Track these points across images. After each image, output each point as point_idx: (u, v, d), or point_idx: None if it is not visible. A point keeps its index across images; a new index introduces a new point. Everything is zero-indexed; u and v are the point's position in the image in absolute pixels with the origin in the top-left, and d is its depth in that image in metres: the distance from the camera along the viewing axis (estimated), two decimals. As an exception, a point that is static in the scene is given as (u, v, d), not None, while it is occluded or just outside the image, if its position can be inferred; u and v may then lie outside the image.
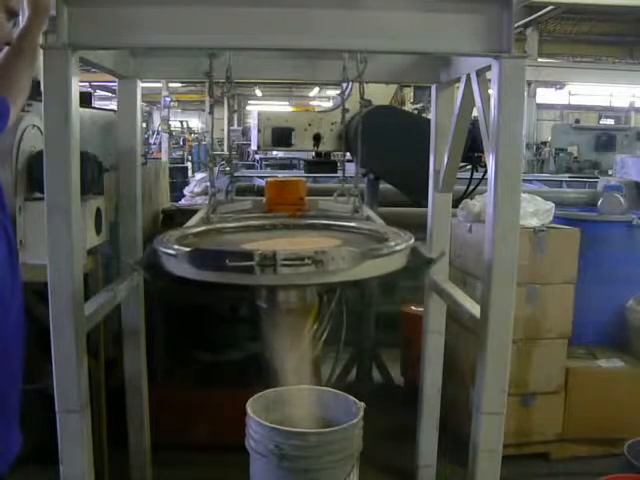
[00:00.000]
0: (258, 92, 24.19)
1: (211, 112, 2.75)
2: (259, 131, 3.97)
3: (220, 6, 1.89)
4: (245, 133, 20.06)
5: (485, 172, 2.79)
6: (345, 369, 4.17)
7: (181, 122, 24.70)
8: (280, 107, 25.50)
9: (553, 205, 3.55)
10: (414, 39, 1.96)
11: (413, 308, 4.25)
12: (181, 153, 19.69)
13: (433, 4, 1.93)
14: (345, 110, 2.76)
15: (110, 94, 17.90)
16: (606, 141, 15.34)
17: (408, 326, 4.20)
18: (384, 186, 4.16)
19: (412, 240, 2.00)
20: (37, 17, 1.96)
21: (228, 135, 15.58)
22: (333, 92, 17.25)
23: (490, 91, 2.10)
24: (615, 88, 18.94)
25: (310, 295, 1.98)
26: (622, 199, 3.92)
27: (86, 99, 3.61)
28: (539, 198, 3.58)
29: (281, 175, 7.85)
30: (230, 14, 1.89)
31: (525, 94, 2.32)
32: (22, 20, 1.99)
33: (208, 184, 2.85)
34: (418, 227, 2.70)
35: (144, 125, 22.23)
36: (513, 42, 1.93)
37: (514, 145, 2.02)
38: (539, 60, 14.46)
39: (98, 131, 3.48)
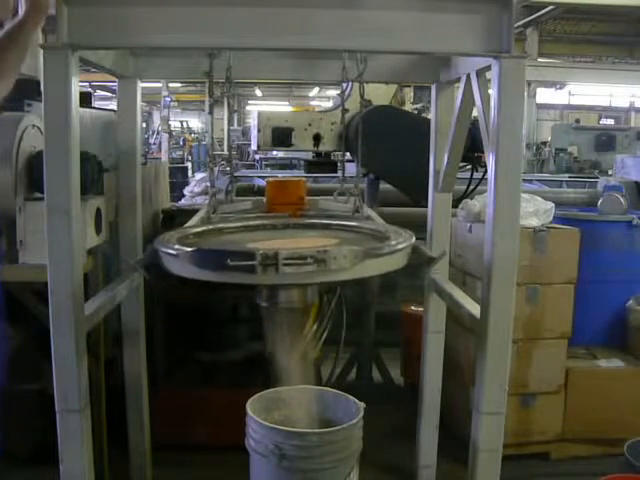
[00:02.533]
0: (258, 92, 24.18)
1: (211, 112, 2.76)
2: (259, 131, 3.96)
3: (220, 6, 1.89)
4: (245, 133, 20.05)
5: (485, 172, 2.79)
6: (345, 369, 4.17)
7: (181, 122, 24.69)
8: (280, 107, 25.49)
9: (553, 205, 3.55)
10: (414, 39, 1.96)
11: (413, 308, 4.25)
12: (181, 153, 19.68)
13: (433, 4, 1.93)
14: (345, 110, 2.76)
15: (110, 94, 17.89)
16: (606, 141, 15.33)
17: (408, 326, 4.19)
18: (384, 186, 4.16)
19: (413, 239, 2.00)
20: (34, 14, 1.92)
21: (228, 135, 15.57)
22: (333, 92, 17.24)
23: (490, 91, 2.10)
24: (615, 88, 18.94)
25: (311, 294, 1.98)
26: (622, 199, 3.91)
27: (86, 99, 3.61)
28: (539, 198, 3.57)
29: (281, 175, 7.85)
30: (230, 14, 1.89)
31: (525, 94, 2.32)
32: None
33: (208, 184, 2.85)
34: (418, 227, 2.70)
35: (144, 125, 22.23)
36: (513, 42, 1.93)
37: (514, 145, 2.02)
38: (539, 60, 14.46)
39: (98, 131, 3.48)
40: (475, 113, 2.43)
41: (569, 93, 21.61)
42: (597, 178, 7.49)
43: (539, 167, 15.18)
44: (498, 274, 2.06)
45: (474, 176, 3.48)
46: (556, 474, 3.43)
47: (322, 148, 4.00)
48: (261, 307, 1.99)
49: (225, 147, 16.41)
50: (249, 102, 27.18)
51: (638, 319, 3.62)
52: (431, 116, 3.02)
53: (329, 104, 17.46)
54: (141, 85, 2.88)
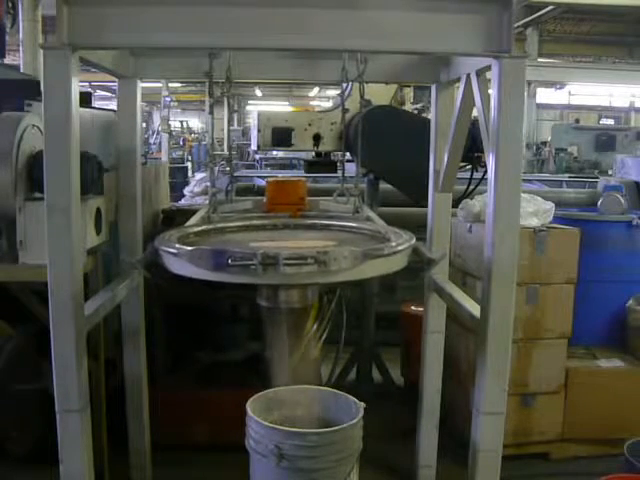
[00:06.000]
0: (258, 92, 24.17)
1: (211, 112, 2.76)
2: (259, 131, 3.97)
3: (220, 6, 1.89)
4: (245, 133, 20.05)
5: (485, 172, 2.79)
6: (345, 369, 4.17)
7: (181, 122, 24.68)
8: (280, 107, 25.49)
9: (553, 205, 3.55)
10: (414, 39, 1.96)
11: (413, 308, 4.25)
12: (181, 153, 19.68)
13: (433, 4, 1.93)
14: (345, 110, 2.76)
15: (110, 94, 17.89)
16: (606, 141, 15.34)
17: (408, 326, 4.19)
18: (384, 186, 4.16)
19: (413, 240, 2.01)
20: None
21: (228, 135, 15.58)
22: (333, 92, 17.25)
23: (490, 91, 2.10)
24: (615, 88, 18.93)
25: (311, 294, 1.98)
26: (622, 199, 3.91)
27: (86, 99, 3.61)
28: (539, 198, 3.58)
29: (281, 175, 7.85)
30: (230, 14, 1.89)
31: (525, 94, 2.32)
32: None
33: (208, 184, 2.85)
34: (418, 227, 2.70)
35: (144, 125, 22.23)
36: (513, 42, 1.93)
37: (514, 145, 2.02)
38: (539, 60, 14.46)
39: (98, 131, 3.48)
40: (475, 113, 2.43)
41: (569, 93, 21.61)
42: (597, 178, 7.50)
43: (539, 167, 15.18)
44: (498, 274, 2.06)
45: (474, 176, 3.48)
46: (556, 474, 3.42)
47: (322, 148, 4.00)
48: (261, 307, 1.99)
49: (225, 147, 16.43)
50: (249, 102, 27.17)
51: (638, 319, 3.62)
52: (431, 116, 3.02)
53: (329, 104, 17.47)
54: (141, 85, 2.88)
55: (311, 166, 4.33)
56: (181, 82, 19.14)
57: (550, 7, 12.48)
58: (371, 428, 2.26)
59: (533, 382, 3.43)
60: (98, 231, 2.86)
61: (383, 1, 1.95)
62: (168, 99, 17.26)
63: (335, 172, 3.77)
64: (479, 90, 2.26)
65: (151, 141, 20.39)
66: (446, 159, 2.77)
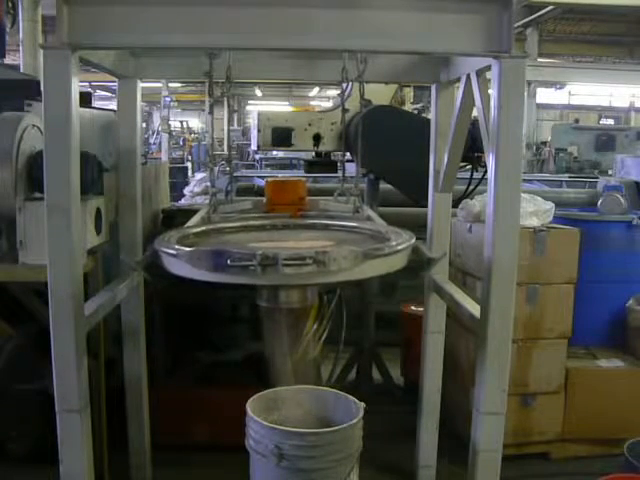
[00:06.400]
0: (258, 92, 24.18)
1: (211, 112, 2.76)
2: (259, 131, 3.97)
3: (220, 6, 1.89)
4: (245, 133, 20.07)
5: (485, 172, 2.79)
6: (345, 369, 4.17)
7: (181, 122, 24.69)
8: (280, 107, 25.49)
9: (553, 205, 3.55)
10: (414, 39, 1.96)
11: (413, 308, 4.25)
12: (181, 153, 19.69)
13: (433, 4, 1.93)
14: (345, 110, 2.76)
15: (110, 94, 17.90)
16: (606, 141, 15.36)
17: (408, 326, 4.20)
18: (384, 186, 4.16)
19: (413, 239, 2.00)
20: None
21: (228, 135, 15.60)
22: (333, 92, 17.25)
23: (490, 91, 2.10)
24: (615, 88, 18.94)
25: (311, 295, 1.98)
26: (622, 199, 3.91)
27: (86, 99, 3.61)
28: (539, 198, 3.58)
29: (281, 175, 7.85)
30: (230, 14, 1.89)
31: (525, 94, 2.32)
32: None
33: (208, 184, 2.85)
34: (418, 227, 2.70)
35: (144, 125, 22.23)
36: (513, 42, 1.93)
37: (514, 145, 2.02)
38: (539, 60, 14.47)
39: (98, 131, 3.48)
40: (475, 113, 2.43)
41: (569, 93, 21.62)
42: (597, 178, 7.50)
43: (539, 167, 15.19)
44: (498, 274, 2.06)
45: (474, 176, 3.48)
46: (556, 474, 3.42)
47: (322, 148, 4.00)
48: (261, 307, 1.99)
49: (225, 147, 16.43)
50: (249, 102, 27.17)
51: (638, 319, 3.62)
52: (431, 116, 3.02)
53: (329, 104, 17.48)
54: (141, 85, 2.88)
55: (311, 166, 4.33)
56: (181, 82, 19.15)
57: (550, 7, 12.49)
58: (371, 428, 2.26)
59: (533, 382, 3.43)
60: (98, 231, 2.86)
61: (383, 1, 1.95)
62: (168, 99, 17.28)
63: (335, 172, 3.76)
64: (479, 90, 2.26)
65: (151, 141, 20.41)
66: (446, 159, 2.77)
